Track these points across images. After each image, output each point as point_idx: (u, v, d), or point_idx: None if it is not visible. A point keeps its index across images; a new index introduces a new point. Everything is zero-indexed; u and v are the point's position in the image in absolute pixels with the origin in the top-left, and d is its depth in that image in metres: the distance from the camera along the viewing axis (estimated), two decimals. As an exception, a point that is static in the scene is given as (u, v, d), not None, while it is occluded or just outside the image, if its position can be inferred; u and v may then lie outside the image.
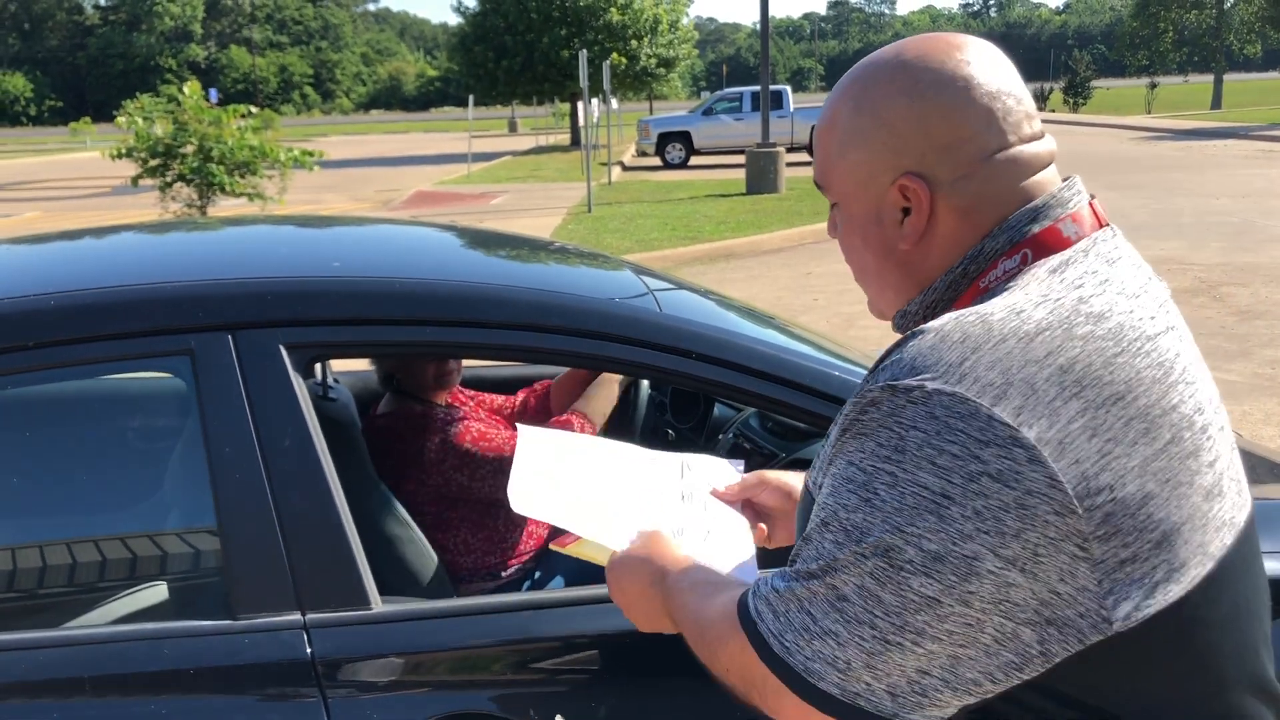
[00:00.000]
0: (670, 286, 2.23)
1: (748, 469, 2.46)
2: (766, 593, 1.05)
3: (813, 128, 1.22)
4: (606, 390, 2.72)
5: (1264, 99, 51.63)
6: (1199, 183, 17.91)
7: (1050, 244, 1.08)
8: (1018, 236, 1.09)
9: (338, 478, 1.64)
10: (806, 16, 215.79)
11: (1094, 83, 53.27)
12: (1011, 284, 1.06)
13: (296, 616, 1.57)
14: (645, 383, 2.93)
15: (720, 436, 2.73)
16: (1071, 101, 51.04)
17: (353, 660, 1.57)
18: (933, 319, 1.07)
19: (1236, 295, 9.13)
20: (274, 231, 2.45)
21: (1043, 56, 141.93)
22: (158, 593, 1.73)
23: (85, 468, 1.82)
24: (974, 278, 1.10)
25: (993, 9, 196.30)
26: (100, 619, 1.72)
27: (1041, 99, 53.52)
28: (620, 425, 2.88)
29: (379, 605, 1.61)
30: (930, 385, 0.97)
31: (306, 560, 1.57)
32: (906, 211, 1.11)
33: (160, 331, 1.63)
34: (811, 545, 1.02)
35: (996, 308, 1.02)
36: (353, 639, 1.58)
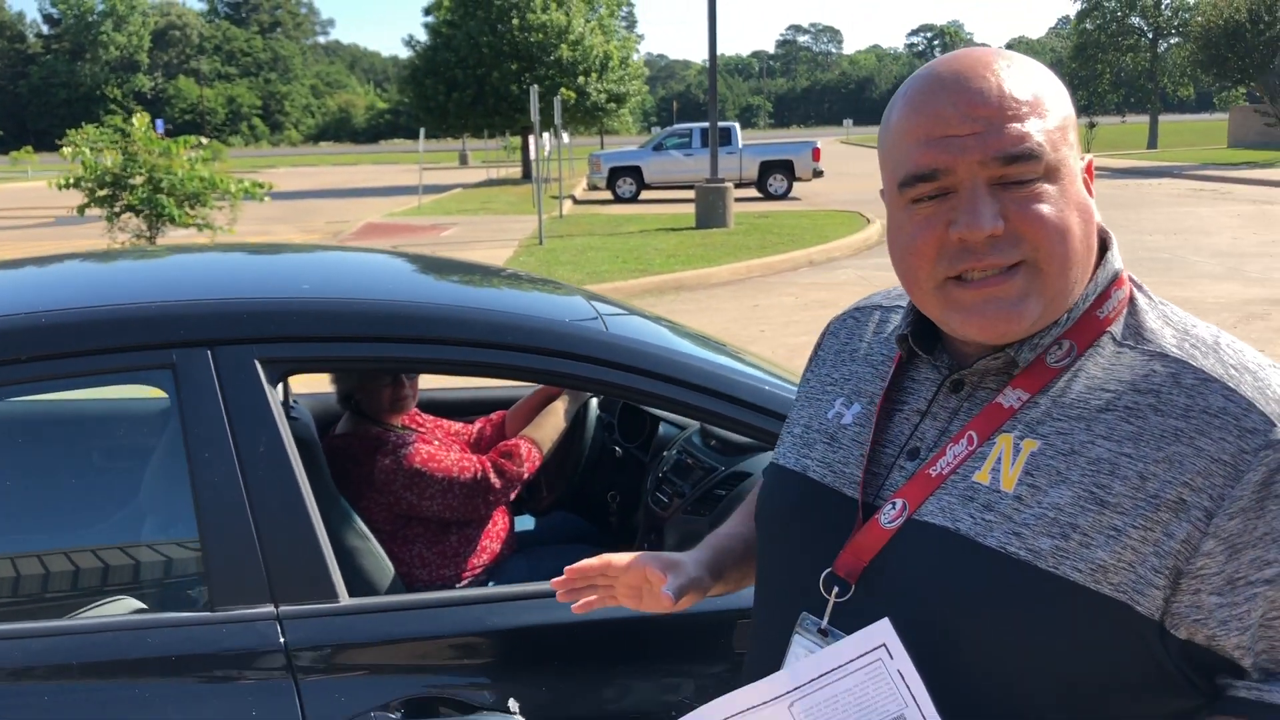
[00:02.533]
0: (618, 310, 2.39)
1: (689, 483, 2.62)
2: None
3: (979, 92, 1.06)
4: (553, 418, 2.89)
5: (1197, 139, 53.15)
6: (1133, 220, 18.42)
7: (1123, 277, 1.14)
8: (1119, 267, 1.13)
9: (309, 482, 1.78)
10: (755, 55, 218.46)
11: (1034, 122, 54.30)
12: (1139, 317, 1.10)
13: (270, 609, 1.70)
14: (594, 404, 3.09)
15: (665, 454, 2.88)
16: (1013, 140, 52.06)
17: (322, 648, 1.70)
18: (1053, 350, 1.09)
19: (1165, 328, 9.46)
20: (245, 257, 2.59)
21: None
22: (144, 586, 1.86)
23: (79, 474, 1.95)
24: (1092, 307, 1.11)
25: (937, 49, 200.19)
26: (91, 611, 1.84)
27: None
28: (570, 445, 3.04)
29: (346, 599, 1.74)
30: None
31: (279, 557, 1.71)
32: None
33: (145, 347, 1.77)
34: None
35: (1223, 336, 1.08)
36: (322, 629, 1.71)
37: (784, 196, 25.56)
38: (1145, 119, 58.36)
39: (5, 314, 1.81)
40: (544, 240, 16.13)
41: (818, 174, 25.97)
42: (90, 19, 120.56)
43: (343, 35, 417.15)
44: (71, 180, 12.74)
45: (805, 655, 1.11)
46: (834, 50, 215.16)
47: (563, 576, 1.35)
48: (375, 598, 1.81)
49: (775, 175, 25.94)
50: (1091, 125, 51.51)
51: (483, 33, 32.94)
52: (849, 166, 37.38)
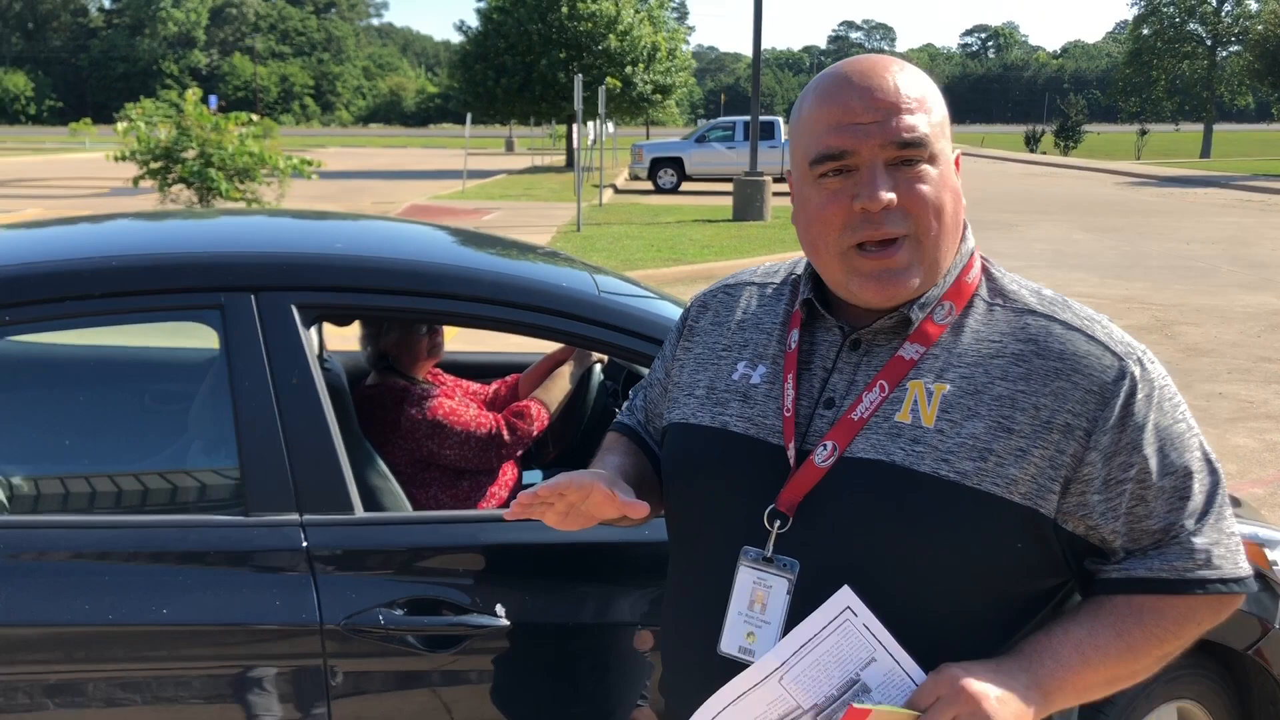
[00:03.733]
0: (647, 293, 2.65)
1: None
2: (1211, 556, 1.27)
3: (886, 89, 1.28)
4: (560, 381, 3.17)
5: (1253, 150, 52.42)
6: (1173, 228, 18.39)
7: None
8: (973, 244, 1.38)
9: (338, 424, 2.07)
10: (806, 49, 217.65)
11: (1086, 127, 53.64)
12: (997, 283, 1.36)
13: (295, 516, 1.99)
14: (597, 370, 3.36)
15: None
16: (1062, 145, 51.41)
17: (338, 552, 1.99)
18: (937, 310, 1.32)
19: (1188, 334, 9.54)
20: (287, 220, 2.89)
21: (1038, 99, 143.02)
22: (191, 494, 2.17)
23: (140, 399, 2.26)
24: (961, 274, 1.35)
25: (991, 50, 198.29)
26: (143, 511, 2.16)
27: (1034, 141, 54.05)
28: (574, 406, 3.31)
29: (360, 512, 2.03)
30: (1145, 350, 1.32)
31: (305, 473, 2.00)
32: None
33: (198, 289, 2.07)
34: (1195, 498, 1.28)
35: (1064, 296, 1.36)
36: (338, 536, 1.99)
37: (825, 192, 25.61)
38: (1200, 128, 57.61)
39: (81, 257, 2.13)
40: (581, 227, 16.41)
41: (859, 171, 25.98)
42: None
43: (396, 18, 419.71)
44: (127, 153, 13.21)
45: (752, 582, 1.30)
46: (886, 48, 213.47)
47: (522, 503, 1.30)
48: (384, 513, 2.09)
49: (817, 171, 25.98)
50: (1143, 132, 50.77)
51: (532, 20, 33.25)
52: (893, 165, 37.16)
